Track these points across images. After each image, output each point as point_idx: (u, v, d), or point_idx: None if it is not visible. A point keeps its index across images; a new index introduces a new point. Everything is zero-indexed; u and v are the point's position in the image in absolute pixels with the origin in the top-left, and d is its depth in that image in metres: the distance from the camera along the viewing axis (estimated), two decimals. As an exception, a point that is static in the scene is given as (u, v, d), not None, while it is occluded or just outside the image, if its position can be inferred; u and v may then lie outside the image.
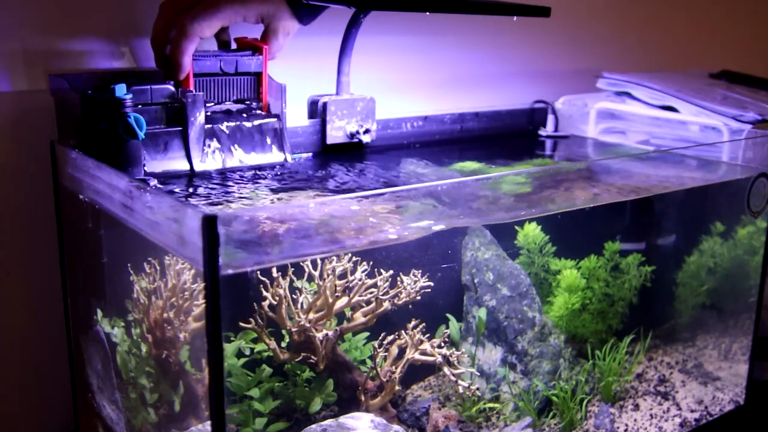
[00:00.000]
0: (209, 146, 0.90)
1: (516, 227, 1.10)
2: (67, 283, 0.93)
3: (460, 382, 0.95)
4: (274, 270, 0.85)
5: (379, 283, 0.92)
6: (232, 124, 0.91)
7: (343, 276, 0.90)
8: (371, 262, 0.91)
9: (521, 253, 1.11)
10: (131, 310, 0.87)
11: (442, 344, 0.95)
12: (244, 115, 0.93)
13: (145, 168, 0.85)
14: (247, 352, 0.91)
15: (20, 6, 0.89)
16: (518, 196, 0.88)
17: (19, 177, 0.93)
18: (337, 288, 0.90)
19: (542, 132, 1.28)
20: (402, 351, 0.94)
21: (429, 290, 0.96)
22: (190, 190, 0.83)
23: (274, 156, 0.94)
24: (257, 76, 0.95)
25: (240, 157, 0.92)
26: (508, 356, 1.05)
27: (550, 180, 0.92)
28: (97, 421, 0.92)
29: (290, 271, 0.86)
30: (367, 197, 0.76)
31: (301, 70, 1.05)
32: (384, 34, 1.17)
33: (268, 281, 0.86)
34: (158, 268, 0.83)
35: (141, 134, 0.81)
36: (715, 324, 1.29)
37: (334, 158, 1.02)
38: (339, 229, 0.73)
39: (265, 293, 0.86)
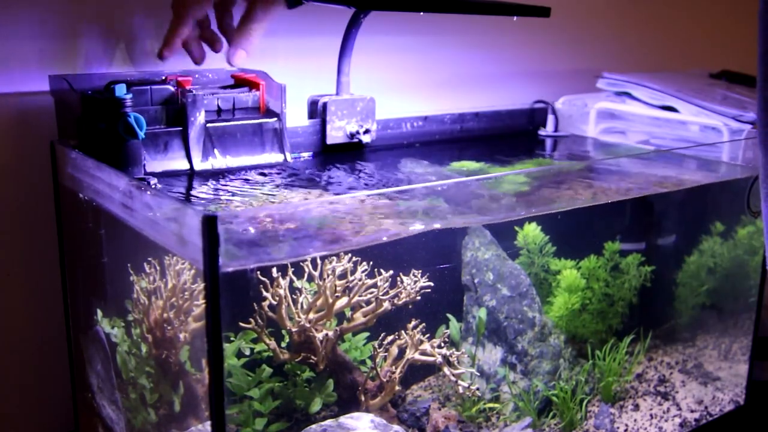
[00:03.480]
0: (209, 146, 0.90)
1: (516, 227, 1.10)
2: (67, 283, 0.93)
3: (460, 382, 0.95)
4: (274, 270, 0.85)
5: (379, 283, 0.92)
6: (233, 124, 0.91)
7: (343, 276, 0.90)
8: (371, 262, 0.91)
9: (521, 254, 1.11)
10: (131, 310, 0.87)
11: (442, 344, 0.95)
12: (245, 115, 0.93)
13: (146, 168, 0.85)
14: (247, 352, 0.91)
15: (21, 7, 0.89)
16: (518, 195, 0.88)
17: (19, 177, 0.93)
18: (337, 288, 0.90)
19: (542, 132, 1.28)
20: (402, 351, 0.94)
21: (429, 290, 0.96)
22: (191, 189, 0.84)
23: (273, 156, 0.94)
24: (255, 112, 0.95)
25: (240, 157, 0.92)
26: (508, 356, 1.05)
27: (550, 180, 0.92)
28: (97, 421, 0.92)
29: (290, 271, 0.86)
30: (367, 197, 0.76)
31: (301, 70, 1.05)
32: (384, 34, 1.17)
33: (268, 281, 0.86)
34: (158, 268, 0.83)
35: (141, 134, 0.81)
36: (715, 324, 1.29)
37: (334, 158, 1.02)
38: (339, 229, 0.73)
39: (265, 293, 0.86)
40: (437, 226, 0.80)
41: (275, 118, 0.94)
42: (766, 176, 0.70)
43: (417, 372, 1.05)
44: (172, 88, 0.88)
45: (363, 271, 0.91)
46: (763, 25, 0.68)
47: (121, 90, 0.81)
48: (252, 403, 0.89)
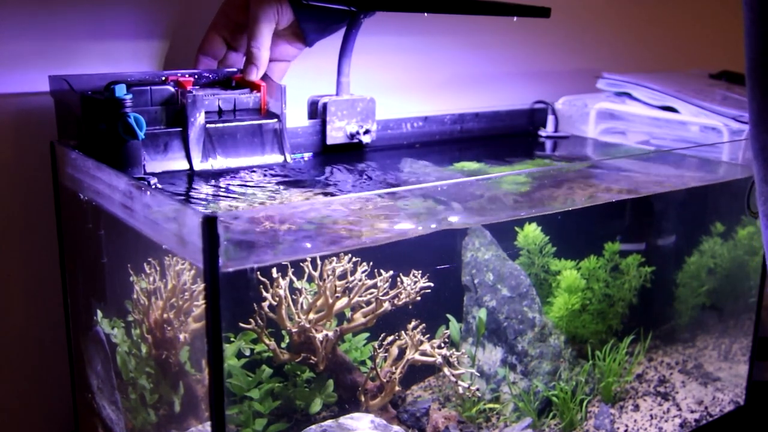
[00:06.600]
0: (209, 147, 0.90)
1: (516, 228, 1.10)
2: (67, 283, 0.93)
3: (460, 382, 0.95)
4: (274, 270, 0.85)
5: (379, 284, 0.92)
6: (233, 124, 0.91)
7: (343, 276, 0.90)
8: (371, 263, 0.91)
9: (521, 254, 1.11)
10: (131, 311, 0.87)
11: (442, 345, 0.95)
12: (245, 115, 0.93)
13: (145, 168, 0.85)
14: (247, 353, 0.91)
15: (21, 7, 0.89)
16: (518, 196, 0.88)
17: (20, 177, 0.93)
18: (337, 288, 0.90)
19: (542, 132, 1.28)
20: (402, 351, 0.94)
21: (429, 291, 0.96)
22: (190, 190, 0.83)
23: (274, 156, 0.94)
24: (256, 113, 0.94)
25: (240, 158, 0.92)
26: (508, 357, 1.05)
27: (550, 180, 0.92)
28: (97, 421, 0.92)
29: (290, 271, 0.86)
30: (366, 197, 0.76)
31: (301, 70, 1.05)
32: (384, 34, 1.17)
33: (268, 282, 0.86)
34: (158, 268, 0.83)
35: (141, 134, 0.81)
36: (715, 324, 1.29)
37: (334, 159, 1.02)
38: (339, 229, 0.73)
39: (265, 294, 0.86)
40: (437, 226, 0.80)
41: (275, 119, 0.94)
42: (762, 180, 0.70)
43: (417, 372, 1.05)
44: (172, 89, 0.88)
45: (363, 272, 0.91)
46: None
47: (121, 90, 0.81)
48: (252, 404, 0.89)
